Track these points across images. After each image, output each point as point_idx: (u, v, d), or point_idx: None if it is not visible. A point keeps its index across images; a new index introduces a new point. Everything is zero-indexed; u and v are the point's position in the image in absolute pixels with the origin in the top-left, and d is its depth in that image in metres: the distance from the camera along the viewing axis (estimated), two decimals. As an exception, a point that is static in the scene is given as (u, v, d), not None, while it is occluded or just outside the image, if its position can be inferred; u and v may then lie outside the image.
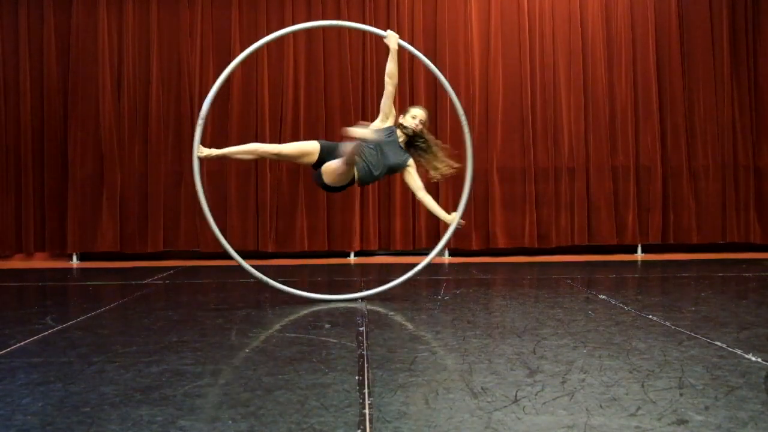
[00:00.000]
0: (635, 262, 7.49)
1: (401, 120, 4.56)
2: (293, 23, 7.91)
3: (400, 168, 4.53)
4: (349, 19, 7.92)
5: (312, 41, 7.95)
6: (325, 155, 4.37)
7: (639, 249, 8.04)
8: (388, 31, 4.55)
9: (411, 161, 4.56)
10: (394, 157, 4.48)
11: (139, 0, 7.93)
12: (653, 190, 7.95)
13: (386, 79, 4.47)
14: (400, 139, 4.54)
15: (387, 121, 4.59)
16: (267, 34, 7.84)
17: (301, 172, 7.85)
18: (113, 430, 2.12)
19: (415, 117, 4.54)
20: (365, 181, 4.47)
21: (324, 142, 4.53)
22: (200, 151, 4.33)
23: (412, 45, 7.96)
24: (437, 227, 7.88)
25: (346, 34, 7.93)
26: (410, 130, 4.52)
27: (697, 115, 8.03)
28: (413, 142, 4.57)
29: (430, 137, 4.63)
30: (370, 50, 7.91)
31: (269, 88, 7.89)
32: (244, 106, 7.90)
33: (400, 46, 4.48)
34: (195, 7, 7.93)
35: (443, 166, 4.57)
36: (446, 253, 7.93)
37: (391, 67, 4.47)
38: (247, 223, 7.86)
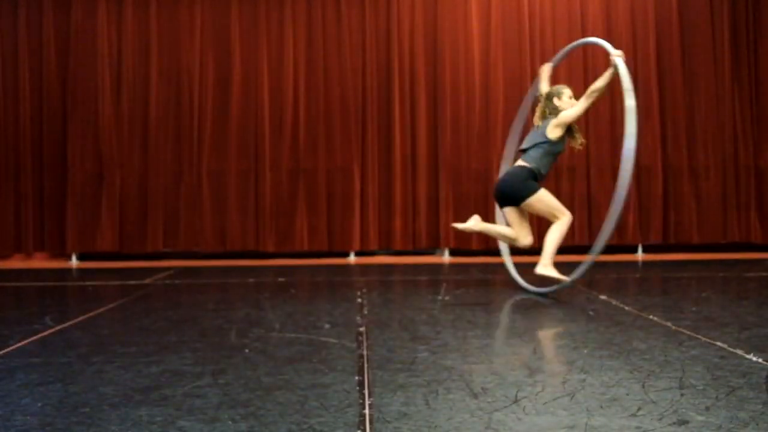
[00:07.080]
0: (636, 262, 7.48)
1: (558, 104, 4.74)
2: (293, 23, 7.92)
3: None
4: (348, 19, 7.93)
5: (312, 41, 7.94)
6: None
7: (639, 249, 8.03)
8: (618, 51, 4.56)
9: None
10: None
11: (139, 0, 7.93)
12: (653, 190, 7.94)
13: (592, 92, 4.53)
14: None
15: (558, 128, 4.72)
16: (267, 34, 8.02)
17: (301, 172, 7.85)
18: (113, 430, 2.11)
19: (571, 97, 4.75)
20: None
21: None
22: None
23: (411, 45, 8.09)
24: (437, 227, 7.87)
25: (347, 34, 7.91)
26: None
27: (697, 115, 8.01)
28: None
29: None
30: (370, 50, 7.90)
31: (269, 89, 7.88)
32: (245, 106, 7.88)
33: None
34: (195, 7, 7.92)
35: (579, 135, 4.87)
36: (446, 253, 7.92)
37: (601, 84, 4.53)
38: (247, 223, 7.85)
